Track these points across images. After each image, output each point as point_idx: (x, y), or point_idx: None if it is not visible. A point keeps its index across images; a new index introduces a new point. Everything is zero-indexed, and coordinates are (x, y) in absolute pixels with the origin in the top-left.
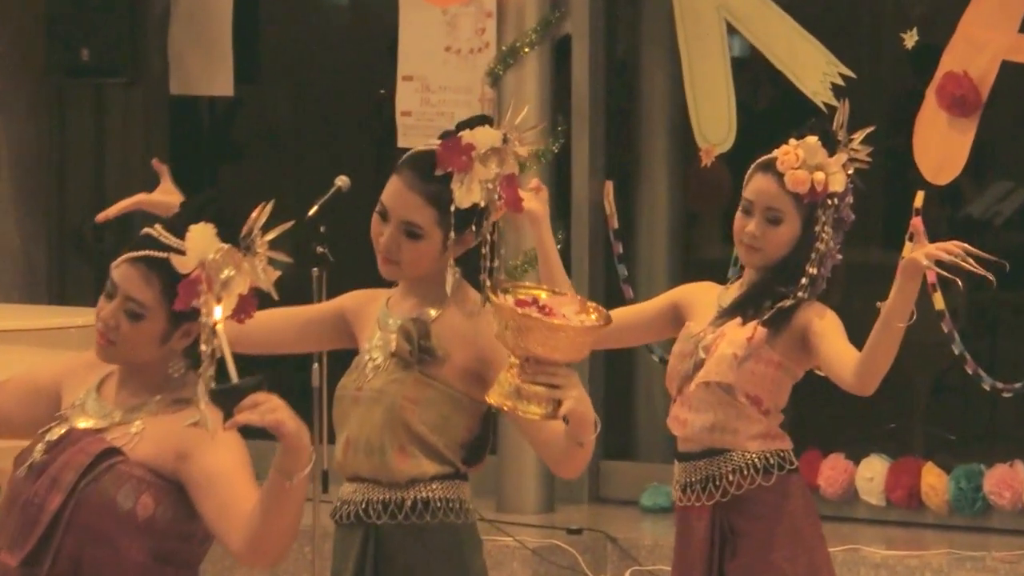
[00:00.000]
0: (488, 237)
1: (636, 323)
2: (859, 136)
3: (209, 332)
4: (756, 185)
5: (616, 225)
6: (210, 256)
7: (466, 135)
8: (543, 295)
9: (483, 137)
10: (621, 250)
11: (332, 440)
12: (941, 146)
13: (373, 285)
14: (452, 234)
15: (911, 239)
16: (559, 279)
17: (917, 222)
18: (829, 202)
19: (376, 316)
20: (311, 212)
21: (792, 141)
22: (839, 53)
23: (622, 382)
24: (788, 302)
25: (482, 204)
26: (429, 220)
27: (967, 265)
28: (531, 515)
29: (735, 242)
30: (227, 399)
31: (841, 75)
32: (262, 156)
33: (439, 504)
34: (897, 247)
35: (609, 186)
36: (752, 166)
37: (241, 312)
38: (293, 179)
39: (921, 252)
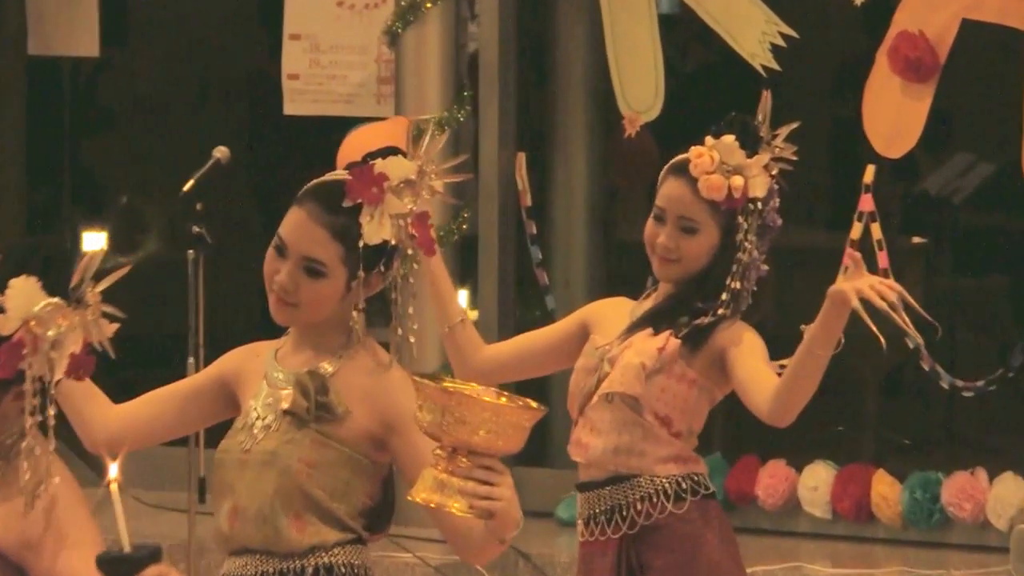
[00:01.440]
0: (398, 280)
1: (542, 348)
2: (783, 133)
3: (36, 397)
4: (668, 191)
5: (529, 202)
6: (34, 311)
7: (378, 164)
8: (447, 383)
9: (396, 168)
10: (534, 230)
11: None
12: (894, 115)
13: (256, 280)
14: (360, 273)
15: (853, 246)
16: (452, 312)
17: (854, 254)
18: (751, 207)
19: (263, 371)
20: (186, 187)
21: (708, 140)
22: (780, 10)
23: (537, 378)
24: (706, 319)
25: (392, 242)
26: (333, 257)
27: (897, 319)
28: (433, 529)
29: (648, 252)
30: (118, 571)
31: (782, 35)
32: (131, 124)
33: (343, 570)
34: (844, 228)
35: (521, 158)
36: (664, 169)
37: (75, 371)
38: (165, 150)
39: (852, 286)
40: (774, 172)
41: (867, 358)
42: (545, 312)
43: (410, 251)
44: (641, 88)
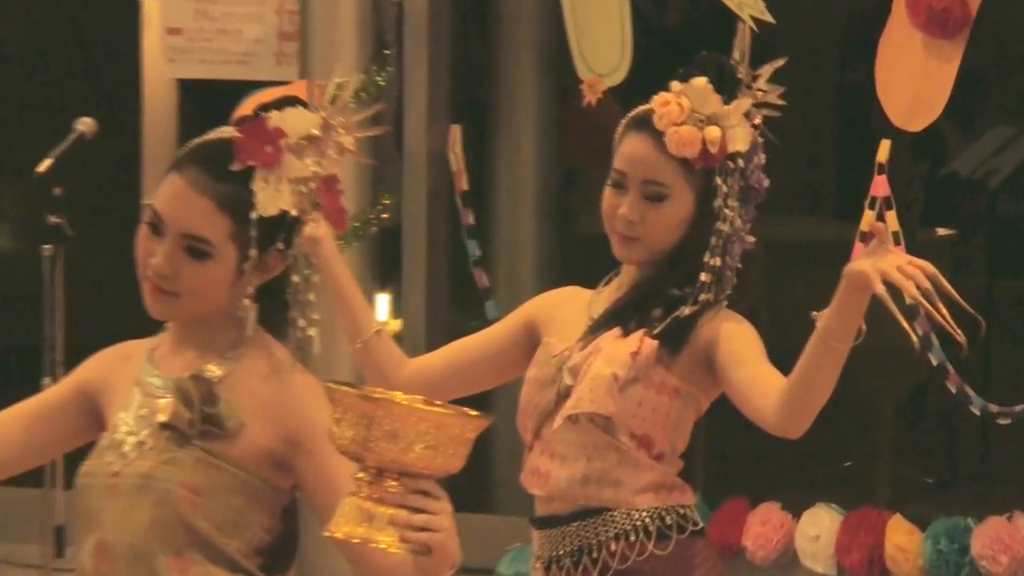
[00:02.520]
0: (299, 260)
1: (481, 357)
2: (767, 72)
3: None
4: (628, 150)
5: (465, 186)
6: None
7: (273, 118)
8: (369, 390)
9: (296, 122)
10: (472, 221)
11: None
12: (914, 79)
13: (130, 280)
14: (253, 252)
15: (864, 239)
16: (364, 322)
17: (877, 225)
18: (731, 165)
19: (134, 376)
20: (42, 167)
21: (674, 85)
22: None
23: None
24: (686, 309)
25: (293, 213)
26: (221, 233)
27: (931, 310)
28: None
29: (606, 229)
30: None
31: None
32: None
33: None
34: (854, 218)
35: (456, 132)
36: (622, 123)
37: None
38: (17, 123)
39: (875, 266)
40: (757, 121)
41: (880, 375)
42: (485, 321)
43: (312, 223)
44: (604, 46)
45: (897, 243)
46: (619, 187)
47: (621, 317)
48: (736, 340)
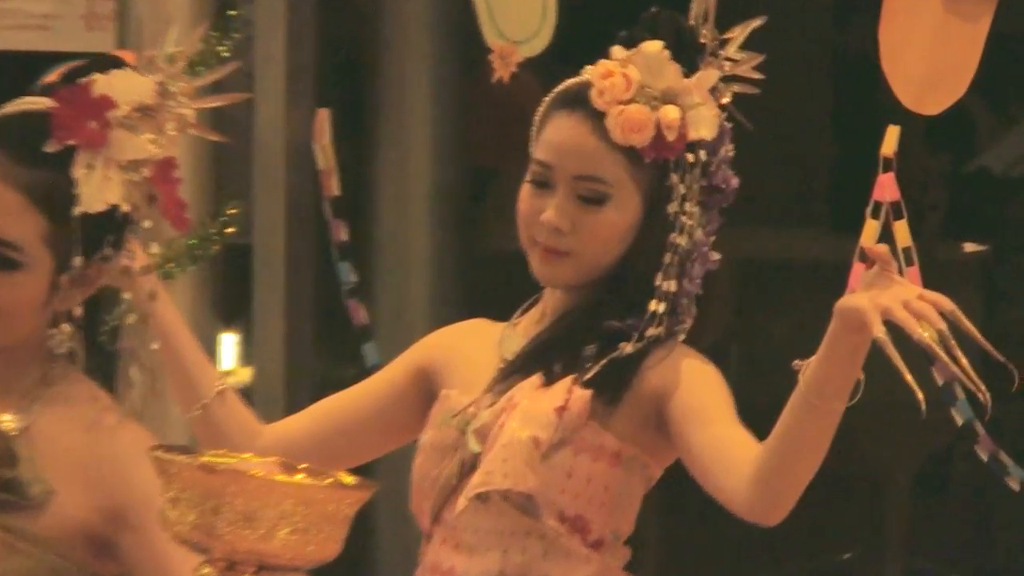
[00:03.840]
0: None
1: (356, 419)
2: (739, 35)
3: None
4: (556, 136)
5: (337, 191)
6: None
7: (98, 83)
8: (209, 458)
9: (126, 88)
10: (346, 236)
11: None
12: (930, 48)
13: None
14: (77, 260)
15: (864, 258)
16: (203, 381)
17: (877, 249)
18: (690, 159)
19: None
20: None
21: (617, 52)
22: None
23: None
24: (628, 347)
25: (124, 209)
26: (32, 235)
27: (945, 360)
28: None
29: (524, 241)
30: None
31: None
32: None
33: None
34: (852, 230)
35: (324, 120)
36: (546, 101)
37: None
38: None
39: (873, 301)
40: (725, 100)
41: (890, 438)
42: (363, 370)
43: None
44: (520, 5)
45: (909, 263)
46: (542, 185)
47: (543, 359)
48: (695, 389)
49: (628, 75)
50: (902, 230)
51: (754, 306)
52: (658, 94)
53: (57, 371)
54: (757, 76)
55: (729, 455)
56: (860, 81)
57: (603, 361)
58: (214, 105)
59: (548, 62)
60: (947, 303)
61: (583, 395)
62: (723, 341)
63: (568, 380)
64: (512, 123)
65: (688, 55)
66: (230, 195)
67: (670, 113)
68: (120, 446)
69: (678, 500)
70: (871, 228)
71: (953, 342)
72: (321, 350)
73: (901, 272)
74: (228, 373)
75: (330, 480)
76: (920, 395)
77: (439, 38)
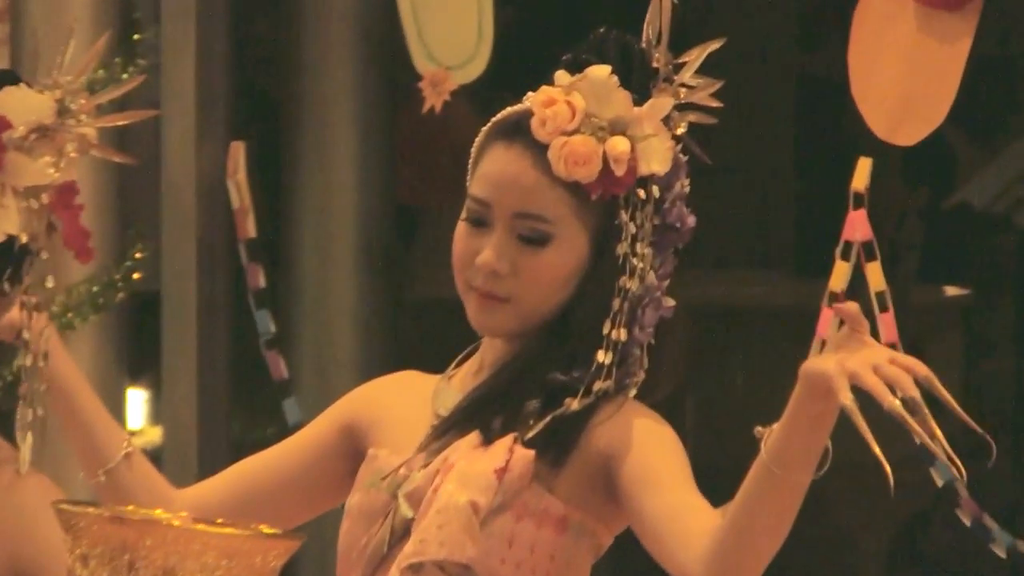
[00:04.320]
0: (28, 311)
1: (276, 482)
2: (695, 57)
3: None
4: (493, 169)
5: (253, 232)
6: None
7: None
8: (121, 509)
9: (21, 106)
10: (263, 282)
11: None
12: (904, 72)
13: None
14: None
15: (833, 302)
16: (108, 442)
17: (846, 308)
18: (641, 195)
19: None
20: None
21: (561, 77)
22: None
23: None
24: (574, 403)
25: (22, 240)
26: None
27: (919, 431)
28: None
29: (459, 286)
30: None
31: None
32: None
33: None
34: (820, 274)
35: (239, 153)
36: (483, 131)
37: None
38: None
39: (841, 365)
40: (680, 130)
41: (863, 501)
42: (284, 427)
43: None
44: (453, 26)
45: (883, 308)
46: (479, 223)
47: (480, 415)
48: (648, 452)
49: (572, 103)
50: (875, 272)
51: (711, 357)
52: (605, 124)
53: None
54: (715, 104)
55: (684, 526)
56: (828, 109)
57: (547, 418)
58: (118, 123)
59: (485, 89)
60: (921, 368)
61: (526, 455)
62: (678, 395)
63: (509, 439)
64: (445, 157)
65: (639, 81)
66: (136, 237)
67: (619, 145)
68: (23, 497)
69: (627, 570)
70: (841, 270)
71: (926, 411)
72: (237, 407)
73: (874, 318)
74: (135, 433)
75: (251, 530)
76: (888, 469)
77: (364, 63)
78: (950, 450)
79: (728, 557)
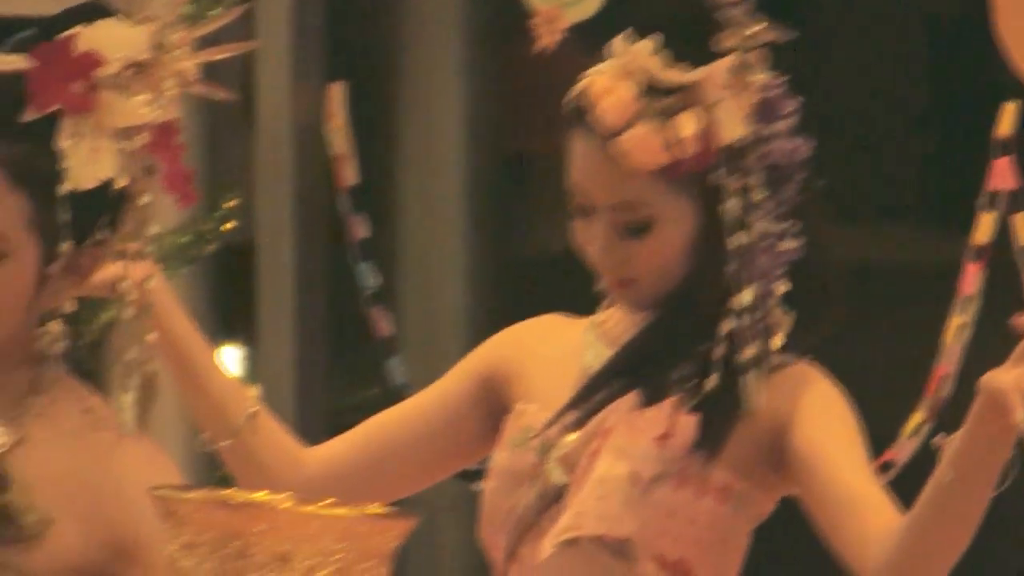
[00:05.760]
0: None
1: (412, 438)
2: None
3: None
4: (579, 161)
5: (354, 180)
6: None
7: (81, 36)
8: (227, 494)
9: (115, 42)
10: (365, 233)
11: None
12: None
13: None
14: (65, 246)
15: (980, 256)
16: (233, 402)
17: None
18: (728, 164)
19: None
20: None
21: (618, 47)
22: None
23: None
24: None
25: (119, 184)
26: (14, 219)
27: None
28: None
29: (596, 267)
30: None
31: None
32: None
33: None
34: (963, 226)
35: (338, 96)
36: (564, 111)
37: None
38: None
39: (1018, 381)
40: (754, 77)
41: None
42: (388, 388)
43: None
44: None
45: None
46: (585, 214)
47: (635, 375)
48: (821, 424)
49: (620, 92)
50: (1022, 224)
51: (846, 316)
52: (666, 104)
53: (47, 377)
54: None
55: (863, 522)
56: (968, 50)
57: (704, 394)
58: (217, 57)
59: (600, 29)
60: None
61: (688, 422)
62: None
63: (669, 404)
64: (558, 100)
65: (699, 32)
66: (228, 185)
67: (685, 127)
68: (125, 464)
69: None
70: (986, 223)
71: None
72: (337, 366)
73: (1019, 274)
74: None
75: (371, 510)
76: None
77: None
78: None
79: (905, 565)
